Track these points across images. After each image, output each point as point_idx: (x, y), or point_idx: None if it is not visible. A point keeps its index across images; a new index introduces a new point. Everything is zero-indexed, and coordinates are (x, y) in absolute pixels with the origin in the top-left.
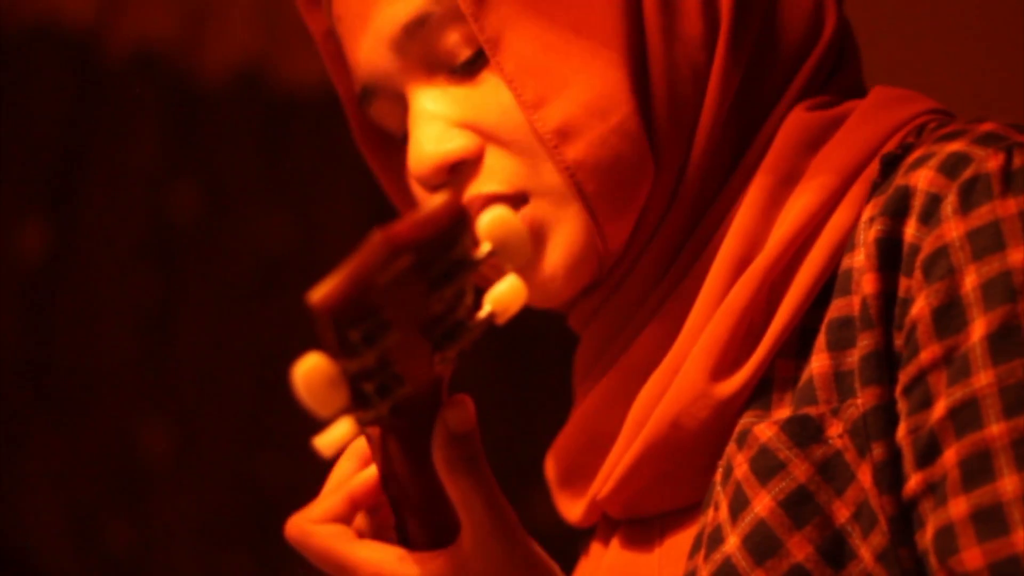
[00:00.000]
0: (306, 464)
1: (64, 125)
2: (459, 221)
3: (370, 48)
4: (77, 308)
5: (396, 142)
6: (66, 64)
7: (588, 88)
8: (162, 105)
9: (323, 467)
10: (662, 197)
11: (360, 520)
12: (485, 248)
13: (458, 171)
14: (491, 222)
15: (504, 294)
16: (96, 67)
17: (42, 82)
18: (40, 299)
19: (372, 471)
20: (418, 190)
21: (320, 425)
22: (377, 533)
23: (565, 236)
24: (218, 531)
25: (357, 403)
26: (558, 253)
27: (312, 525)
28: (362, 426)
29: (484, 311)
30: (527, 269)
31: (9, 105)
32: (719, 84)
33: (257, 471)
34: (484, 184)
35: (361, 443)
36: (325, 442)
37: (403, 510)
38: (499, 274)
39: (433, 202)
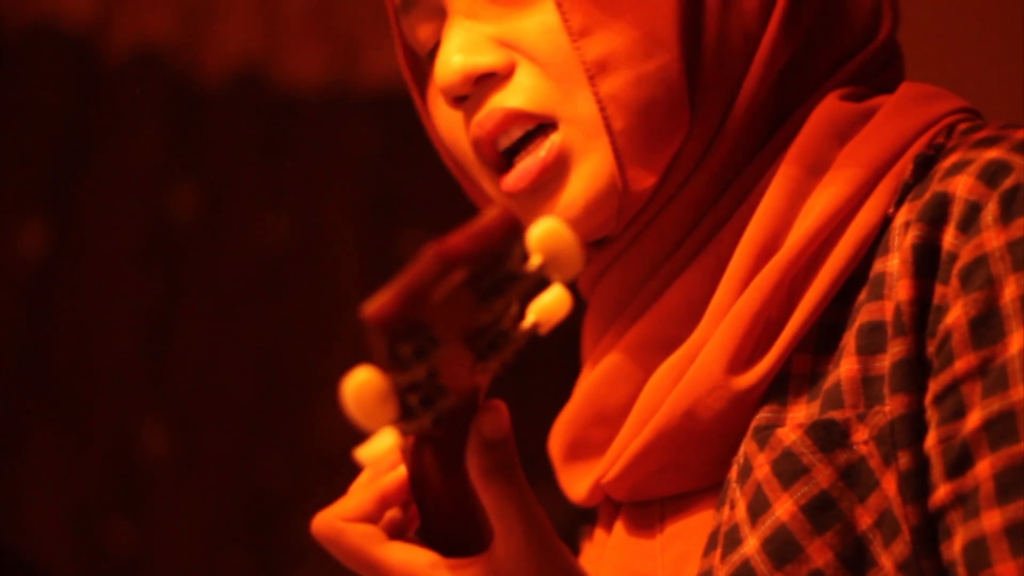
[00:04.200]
0: (306, 464)
1: (64, 125)
2: (511, 234)
3: None
4: (77, 308)
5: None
6: (66, 64)
7: (636, 26)
8: (162, 105)
9: (322, 467)
10: (691, 156)
11: (392, 512)
12: (536, 261)
13: (483, 85)
14: (542, 235)
15: (549, 304)
16: (96, 67)
17: (42, 82)
18: (40, 299)
19: (402, 470)
20: (436, 108)
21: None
22: (406, 529)
23: (590, 168)
24: (218, 531)
25: (402, 415)
26: (580, 183)
27: (344, 523)
28: (404, 436)
29: (528, 321)
30: (546, 196)
31: (9, 105)
32: (766, 57)
33: (257, 471)
34: (509, 98)
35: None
36: (367, 454)
37: (433, 517)
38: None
39: (486, 215)
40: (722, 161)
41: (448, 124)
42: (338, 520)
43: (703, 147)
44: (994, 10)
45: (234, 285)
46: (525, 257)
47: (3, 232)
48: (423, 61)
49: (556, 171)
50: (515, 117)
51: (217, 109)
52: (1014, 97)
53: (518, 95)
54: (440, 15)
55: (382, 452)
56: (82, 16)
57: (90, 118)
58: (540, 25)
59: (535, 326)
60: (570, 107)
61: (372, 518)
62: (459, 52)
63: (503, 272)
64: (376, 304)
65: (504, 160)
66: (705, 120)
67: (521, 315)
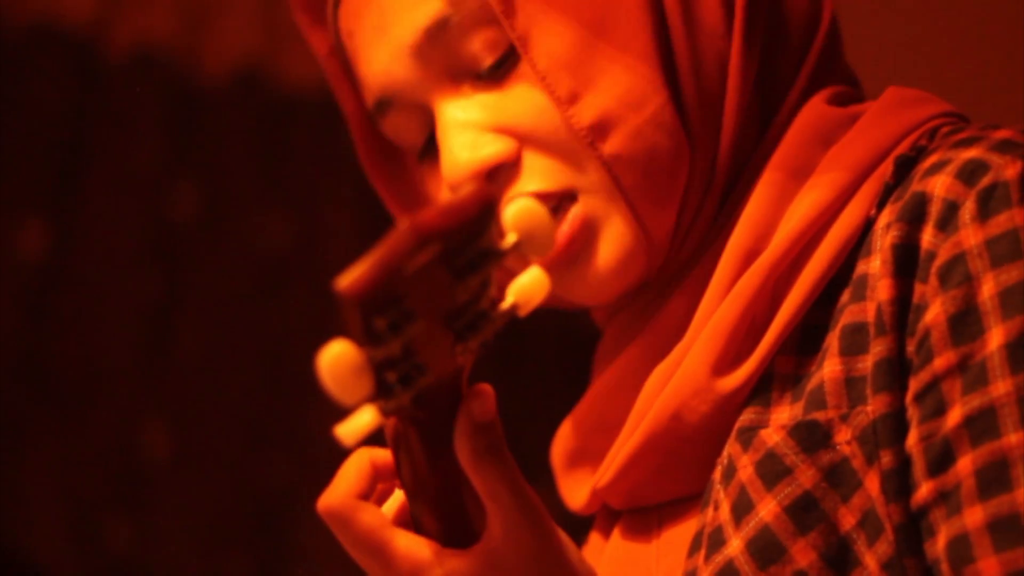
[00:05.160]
0: (306, 464)
1: (64, 125)
2: (486, 211)
3: (390, 58)
4: (77, 308)
5: (405, 159)
6: (66, 64)
7: (619, 81)
8: (162, 105)
9: (323, 467)
10: (699, 187)
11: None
12: (511, 239)
13: (495, 177)
14: (517, 213)
15: (527, 286)
16: (96, 67)
17: (42, 82)
18: (40, 299)
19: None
20: None
21: (327, 420)
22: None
23: (615, 230)
24: (218, 531)
25: (380, 392)
26: (610, 248)
27: (356, 501)
28: (384, 415)
29: (507, 302)
30: (580, 266)
31: (9, 105)
32: (740, 70)
33: (257, 471)
34: (526, 184)
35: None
36: (347, 430)
37: (420, 503)
38: (522, 265)
39: (461, 192)
40: (724, 181)
41: None
42: (350, 497)
43: (707, 175)
44: (988, 11)
45: (234, 285)
46: (501, 235)
47: (3, 232)
48: (414, 157)
49: (585, 239)
50: (539, 199)
51: (217, 109)
52: (1010, 97)
53: (534, 179)
54: (421, 111)
55: (362, 429)
56: (82, 16)
57: (90, 118)
58: (532, 106)
59: (514, 307)
60: (583, 176)
61: (370, 491)
62: (464, 150)
63: (478, 249)
64: (349, 277)
65: None
66: (702, 148)
67: (500, 297)
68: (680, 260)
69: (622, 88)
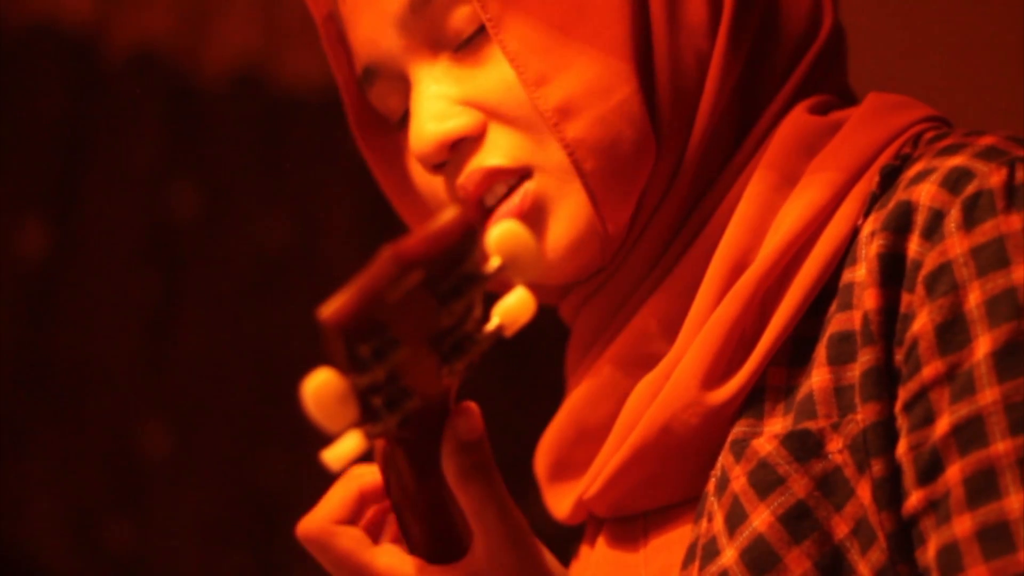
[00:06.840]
0: (306, 464)
1: (64, 125)
2: (469, 235)
3: (374, 27)
4: (77, 308)
5: (392, 129)
6: (66, 64)
7: (590, 68)
8: (162, 105)
9: (322, 467)
10: (661, 182)
11: (370, 511)
12: (495, 262)
13: (459, 149)
14: (501, 236)
15: (513, 307)
16: (96, 67)
17: (42, 82)
18: (40, 299)
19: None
20: (416, 175)
21: (323, 431)
22: (383, 528)
23: (568, 211)
24: (218, 531)
25: (366, 417)
26: (560, 227)
27: (334, 526)
28: (370, 439)
29: (492, 324)
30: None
31: (9, 105)
32: (720, 71)
33: (257, 471)
34: (486, 158)
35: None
36: (333, 456)
37: (409, 521)
38: (507, 286)
39: (443, 217)
40: (690, 181)
41: (430, 189)
42: (328, 523)
43: (671, 171)
44: (984, 13)
45: (234, 285)
46: (484, 258)
47: (3, 232)
48: (394, 127)
49: (535, 218)
50: (495, 174)
51: (217, 109)
52: (1013, 100)
53: (495, 154)
54: (403, 82)
55: (348, 454)
56: (82, 16)
57: (90, 118)
58: (501, 82)
59: (500, 328)
60: (543, 154)
61: (355, 517)
62: (431, 120)
63: (462, 273)
64: (332, 306)
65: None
66: (670, 144)
67: (485, 318)
68: (646, 258)
69: (591, 75)
